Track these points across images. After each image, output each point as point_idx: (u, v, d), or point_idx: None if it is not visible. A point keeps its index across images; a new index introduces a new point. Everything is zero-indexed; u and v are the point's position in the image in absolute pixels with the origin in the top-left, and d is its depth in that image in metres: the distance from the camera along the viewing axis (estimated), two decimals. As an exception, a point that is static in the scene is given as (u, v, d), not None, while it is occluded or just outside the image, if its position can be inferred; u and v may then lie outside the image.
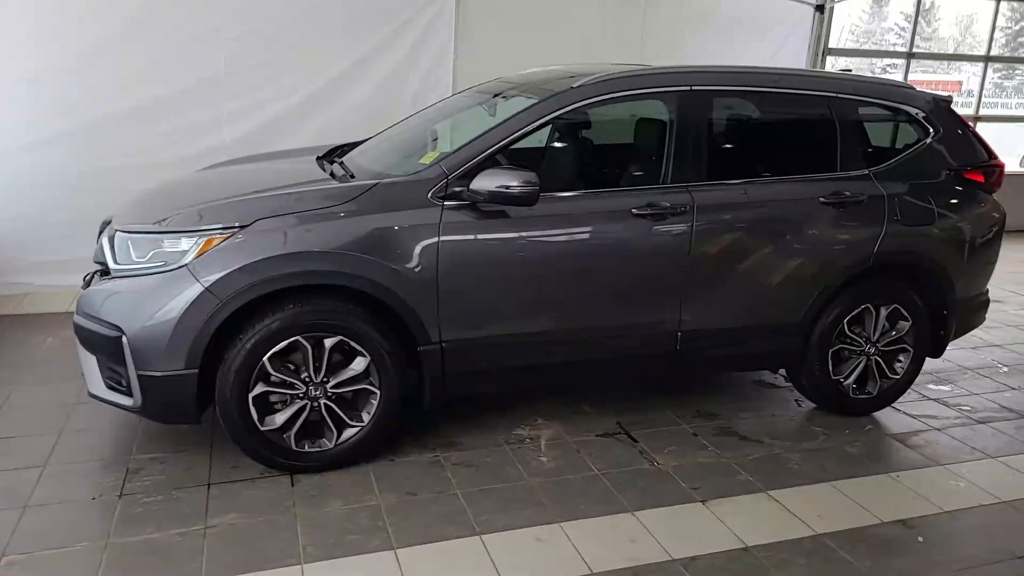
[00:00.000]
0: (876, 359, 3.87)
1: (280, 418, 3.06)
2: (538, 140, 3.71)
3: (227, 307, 2.86)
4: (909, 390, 4.23)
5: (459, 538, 2.78)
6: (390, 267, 3.01)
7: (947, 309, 3.94)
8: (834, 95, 3.72)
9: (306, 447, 3.13)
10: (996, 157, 4.05)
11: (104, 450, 3.32)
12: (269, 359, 2.96)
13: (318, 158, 3.87)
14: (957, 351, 4.99)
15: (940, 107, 3.94)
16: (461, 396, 3.53)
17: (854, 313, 3.75)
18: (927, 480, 3.36)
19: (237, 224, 2.92)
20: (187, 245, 2.91)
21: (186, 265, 2.87)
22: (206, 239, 2.90)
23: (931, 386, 4.42)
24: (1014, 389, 4.43)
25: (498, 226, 3.17)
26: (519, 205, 3.07)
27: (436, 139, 3.96)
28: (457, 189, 3.11)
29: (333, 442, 3.15)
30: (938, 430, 3.86)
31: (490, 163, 3.19)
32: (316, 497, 3.01)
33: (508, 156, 3.43)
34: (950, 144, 3.92)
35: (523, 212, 3.16)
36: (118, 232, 3.07)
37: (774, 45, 6.23)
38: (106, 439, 3.40)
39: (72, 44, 4.60)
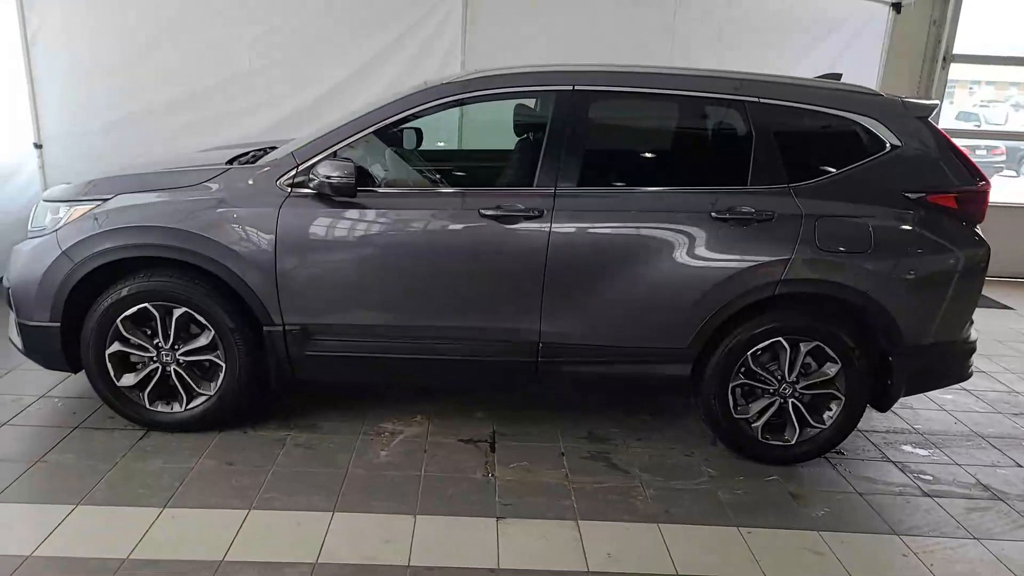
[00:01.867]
0: (795, 402, 3.39)
1: (132, 378, 3.36)
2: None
3: (79, 270, 3.21)
4: (872, 446, 3.72)
5: (228, 508, 2.89)
6: (228, 247, 3.19)
7: (893, 355, 3.35)
8: (755, 100, 3.32)
9: (159, 407, 3.40)
10: (981, 181, 3.37)
11: (35, 387, 3.82)
12: (122, 321, 3.27)
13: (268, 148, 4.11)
14: (986, 414, 4.22)
15: (907, 117, 3.36)
16: (311, 379, 3.61)
17: (762, 346, 3.32)
18: (781, 544, 2.90)
19: (101, 197, 3.27)
20: (63, 213, 3.30)
21: (56, 231, 3.25)
22: (75, 208, 3.27)
23: (907, 447, 3.77)
24: (1018, 467, 3.64)
25: (342, 217, 3.24)
26: (340, 195, 3.12)
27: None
28: (303, 178, 3.21)
29: (183, 407, 3.40)
30: (860, 494, 3.29)
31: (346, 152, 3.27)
32: (149, 453, 3.27)
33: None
34: (914, 161, 3.34)
35: (369, 203, 3.21)
36: (40, 200, 3.55)
37: (834, 50, 5.56)
38: (48, 377, 3.85)
39: (118, 42, 5.29)
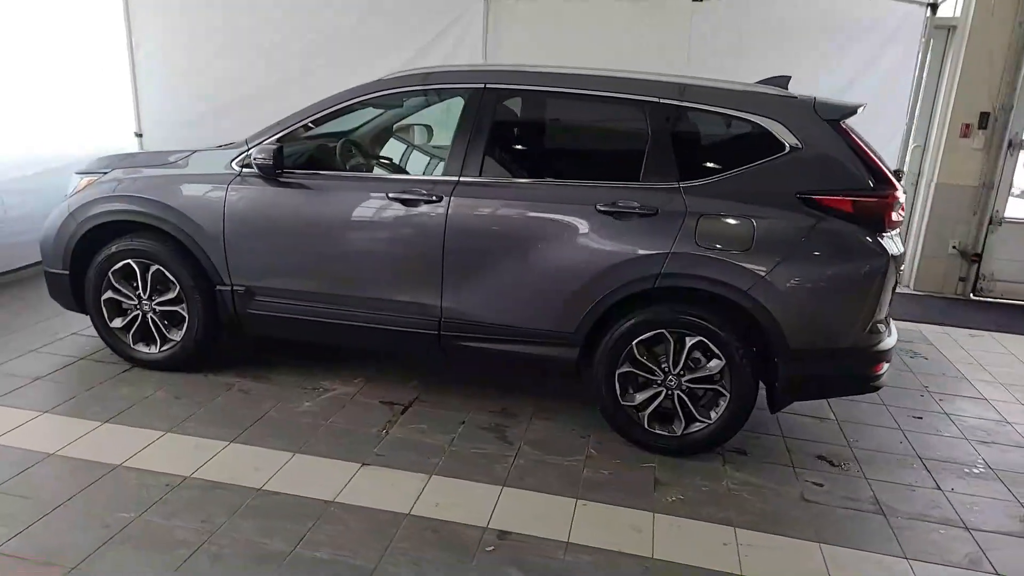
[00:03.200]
0: (680, 395, 3.48)
1: (120, 321, 4.08)
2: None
3: (80, 228, 3.96)
4: (787, 452, 3.72)
5: (151, 429, 3.49)
6: (187, 216, 3.82)
7: (777, 357, 3.36)
8: (655, 101, 3.45)
9: (140, 347, 4.10)
10: (887, 186, 3.29)
11: (75, 325, 4.68)
12: (112, 273, 3.99)
13: None
14: (947, 438, 4.01)
15: (814, 120, 3.35)
16: (257, 334, 4.13)
17: (646, 337, 3.44)
18: (609, 518, 3.03)
19: (102, 171, 4.02)
20: (76, 182, 4.08)
21: (69, 197, 4.04)
22: (85, 179, 4.04)
23: (824, 457, 3.69)
24: (936, 490, 3.47)
25: (276, 194, 3.75)
26: (265, 174, 3.64)
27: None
28: (249, 160, 3.77)
29: (158, 349, 4.08)
30: (729, 490, 3.32)
31: (289, 139, 3.80)
32: (122, 382, 3.97)
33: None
34: (813, 163, 3.32)
35: (299, 184, 3.71)
36: (73, 172, 4.37)
37: (864, 54, 5.30)
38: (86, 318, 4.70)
39: (204, 49, 6.21)
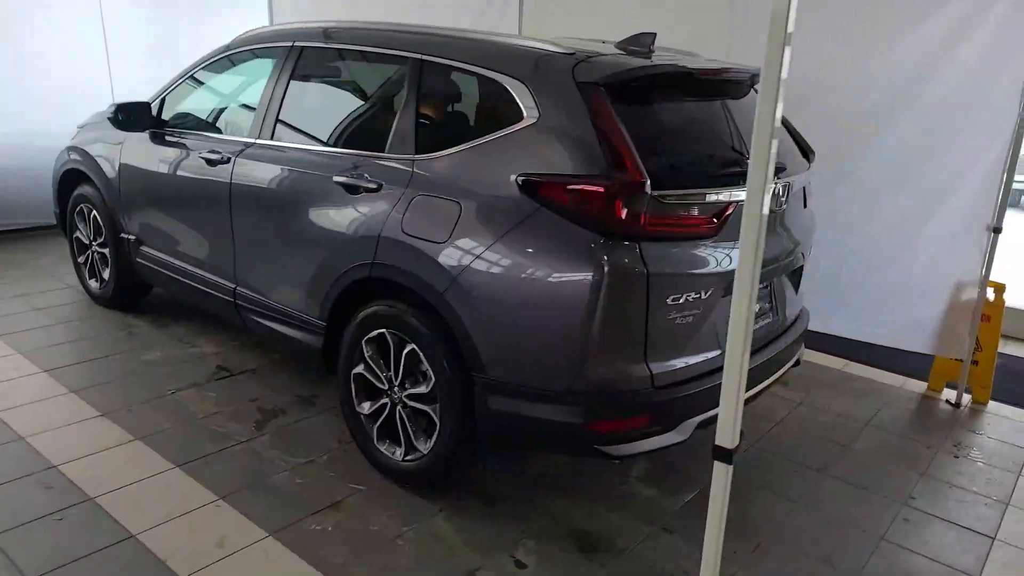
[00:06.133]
0: (402, 413, 2.89)
1: (82, 258, 4.69)
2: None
3: (57, 174, 4.64)
4: (558, 520, 2.89)
5: (12, 348, 3.97)
6: (102, 169, 4.24)
7: (475, 384, 2.59)
8: (417, 57, 2.88)
9: (91, 283, 4.69)
10: (619, 174, 2.31)
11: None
12: (75, 214, 4.62)
13: None
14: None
15: (565, 83, 2.48)
16: (150, 284, 4.36)
17: (374, 336, 2.92)
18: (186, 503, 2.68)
19: (82, 125, 4.65)
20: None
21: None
22: (76, 130, 4.72)
23: (584, 537, 2.77)
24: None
25: (148, 151, 3.96)
26: (118, 129, 3.86)
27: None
28: (136, 119, 4.04)
29: (99, 286, 4.62)
30: (372, 531, 2.67)
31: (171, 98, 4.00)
32: (69, 307, 4.60)
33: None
34: (544, 139, 2.47)
35: (170, 142, 3.86)
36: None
37: (944, 25, 3.56)
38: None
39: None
